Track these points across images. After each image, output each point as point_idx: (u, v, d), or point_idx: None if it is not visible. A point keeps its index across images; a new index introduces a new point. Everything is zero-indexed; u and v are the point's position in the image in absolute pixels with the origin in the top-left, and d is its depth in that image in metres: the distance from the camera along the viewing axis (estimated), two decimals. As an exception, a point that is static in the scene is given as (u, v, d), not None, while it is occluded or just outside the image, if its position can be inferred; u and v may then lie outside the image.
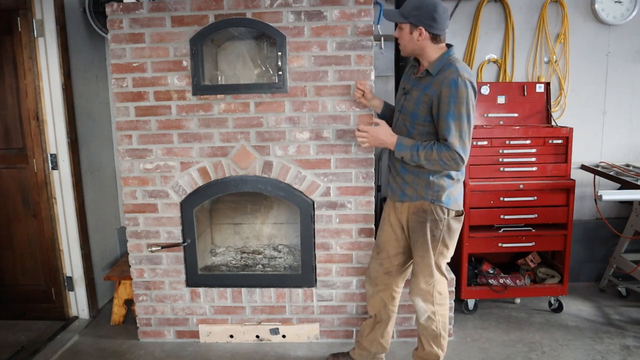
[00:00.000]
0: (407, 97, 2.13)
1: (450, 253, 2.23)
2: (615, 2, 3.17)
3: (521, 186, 2.89)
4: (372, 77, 2.51)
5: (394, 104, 2.37)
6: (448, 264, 2.91)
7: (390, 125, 2.20)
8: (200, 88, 2.56)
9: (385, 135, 2.13)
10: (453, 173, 2.11)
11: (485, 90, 3.17)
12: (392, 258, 2.30)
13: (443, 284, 2.25)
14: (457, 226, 2.17)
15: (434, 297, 2.22)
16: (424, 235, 2.14)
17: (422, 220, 2.14)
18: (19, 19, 2.78)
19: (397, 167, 2.20)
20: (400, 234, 2.25)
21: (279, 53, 2.49)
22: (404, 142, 2.08)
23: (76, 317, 3.12)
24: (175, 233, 2.71)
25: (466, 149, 2.00)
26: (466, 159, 2.01)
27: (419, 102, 2.05)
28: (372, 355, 2.47)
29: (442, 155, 1.99)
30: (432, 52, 2.06)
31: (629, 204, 3.31)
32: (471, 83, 1.98)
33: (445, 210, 2.12)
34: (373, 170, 2.61)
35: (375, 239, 2.39)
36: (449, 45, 2.08)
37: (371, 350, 2.45)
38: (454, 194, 2.13)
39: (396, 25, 2.13)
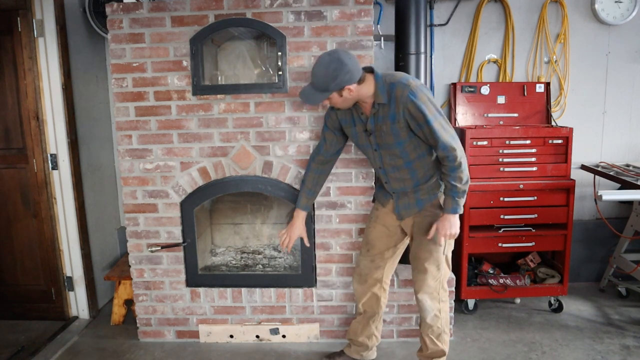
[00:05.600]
0: (375, 135, 2.12)
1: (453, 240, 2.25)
2: (615, 2, 3.17)
3: (521, 186, 2.89)
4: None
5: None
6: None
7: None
8: (200, 88, 2.56)
9: (451, 221, 2.07)
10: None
11: (485, 90, 3.18)
12: (383, 253, 2.34)
13: (447, 277, 2.30)
14: None
15: (439, 294, 2.26)
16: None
17: (432, 217, 2.18)
18: (19, 19, 2.78)
19: (410, 185, 2.18)
20: (394, 231, 2.29)
21: (279, 53, 2.49)
22: (451, 203, 2.07)
23: (76, 317, 3.12)
24: (175, 233, 2.71)
25: (455, 137, 2.04)
26: (458, 144, 2.03)
27: (397, 131, 2.05)
28: (370, 348, 2.51)
29: (456, 164, 2.01)
30: (368, 89, 2.05)
31: (629, 204, 3.31)
32: (418, 84, 2.02)
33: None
34: (373, 171, 2.61)
35: (363, 236, 2.40)
36: (368, 69, 2.07)
37: (369, 345, 2.49)
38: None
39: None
